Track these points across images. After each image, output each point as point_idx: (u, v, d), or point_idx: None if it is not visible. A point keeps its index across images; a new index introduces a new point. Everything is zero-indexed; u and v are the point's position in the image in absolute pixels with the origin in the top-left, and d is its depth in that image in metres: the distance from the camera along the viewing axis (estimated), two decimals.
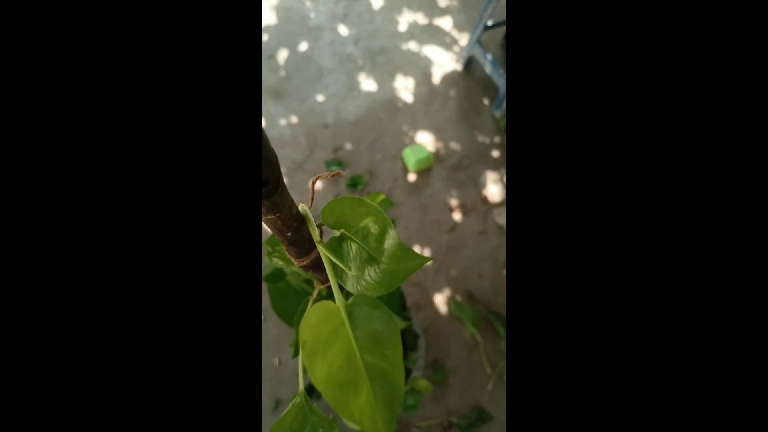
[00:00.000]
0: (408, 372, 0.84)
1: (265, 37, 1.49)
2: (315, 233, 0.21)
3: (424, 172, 1.35)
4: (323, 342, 0.16)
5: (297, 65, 1.44)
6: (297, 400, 0.31)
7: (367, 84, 1.42)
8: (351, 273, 0.19)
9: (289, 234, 0.24)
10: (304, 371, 0.44)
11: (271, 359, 1.10)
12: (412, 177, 1.33)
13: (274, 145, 1.32)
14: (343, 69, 1.44)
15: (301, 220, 0.24)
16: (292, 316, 0.47)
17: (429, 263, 1.26)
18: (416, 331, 0.92)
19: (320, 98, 1.39)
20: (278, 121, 1.35)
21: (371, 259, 0.20)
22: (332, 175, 0.27)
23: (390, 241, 0.19)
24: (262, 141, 0.16)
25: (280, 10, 1.54)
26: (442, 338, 1.18)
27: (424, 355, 0.98)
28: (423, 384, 0.73)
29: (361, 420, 0.14)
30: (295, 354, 0.35)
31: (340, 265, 0.19)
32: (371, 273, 0.20)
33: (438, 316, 1.21)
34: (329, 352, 0.15)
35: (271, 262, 0.32)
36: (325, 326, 0.16)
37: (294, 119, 1.36)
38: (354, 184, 1.32)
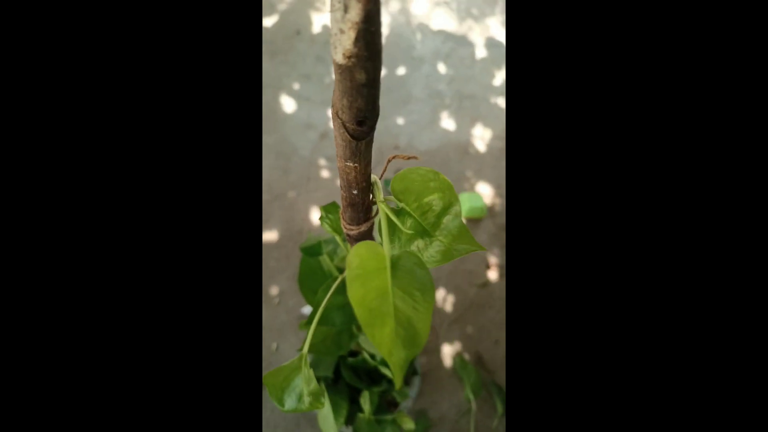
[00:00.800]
0: (395, 404, 0.81)
1: None
2: (379, 193, 0.22)
3: (473, 221, 1.34)
4: (366, 272, 0.16)
5: (390, 86, 1.52)
6: (296, 361, 0.32)
7: (447, 122, 1.46)
8: (406, 231, 0.20)
9: (355, 192, 0.25)
10: (312, 336, 0.44)
11: (269, 343, 1.10)
12: None
13: None
14: (430, 102, 1.50)
15: (370, 183, 0.25)
16: (312, 294, 0.48)
17: (449, 311, 1.23)
18: (416, 368, 0.89)
19: (400, 121, 1.45)
20: None
21: (425, 233, 0.20)
22: (408, 157, 0.28)
23: (451, 217, 0.20)
24: (372, 92, 0.17)
25: (391, 35, 1.64)
26: (437, 391, 1.13)
27: (415, 396, 0.94)
28: (408, 422, 0.70)
29: (381, 345, 0.14)
30: (305, 325, 0.36)
31: (397, 222, 0.20)
32: (420, 245, 0.20)
33: (440, 367, 1.16)
34: (369, 283, 0.16)
35: (322, 226, 0.33)
36: (371, 262, 0.17)
37: None
38: None
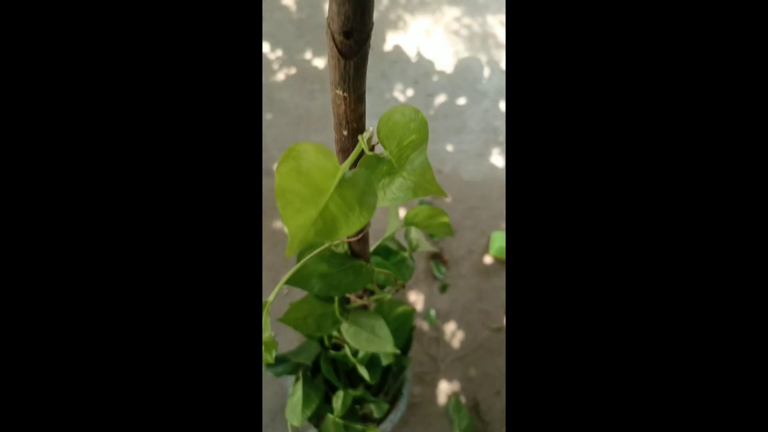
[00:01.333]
0: (372, 420, 0.77)
1: (434, 78, 1.62)
2: (367, 134, 0.22)
3: (501, 262, 1.29)
4: (310, 168, 0.15)
5: (447, 112, 1.53)
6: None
7: (497, 159, 1.44)
8: (367, 152, 0.19)
9: (345, 133, 0.24)
10: (296, 311, 0.43)
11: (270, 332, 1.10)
12: (488, 259, 1.28)
13: None
14: (483, 136, 1.49)
15: (361, 126, 0.24)
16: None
17: (455, 347, 1.17)
18: (403, 391, 0.84)
19: (449, 148, 1.44)
20: None
21: (392, 172, 0.19)
22: None
23: (418, 153, 0.19)
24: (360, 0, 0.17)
25: (460, 65, 1.67)
26: (422, 425, 1.07)
27: (397, 422, 0.89)
28: None
29: (289, 222, 0.13)
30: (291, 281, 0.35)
31: (365, 148, 0.19)
32: (385, 182, 0.19)
33: (432, 403, 1.10)
34: (306, 174, 0.15)
35: None
36: (322, 165, 0.16)
37: None
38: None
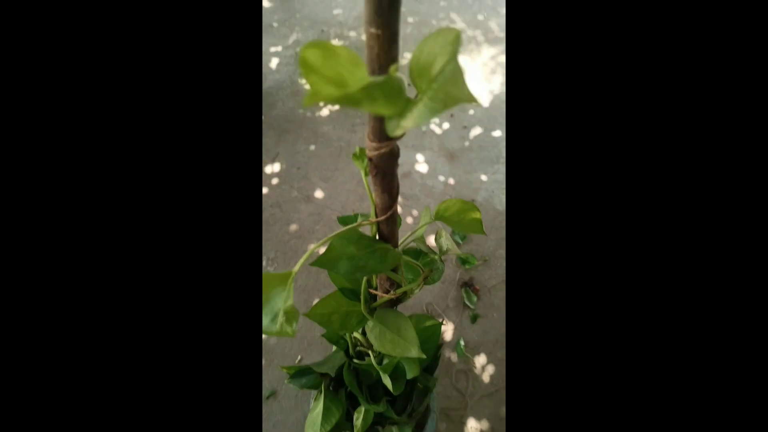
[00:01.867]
0: None
1: (470, 111, 1.64)
2: (398, 62, 0.22)
3: None
4: (334, 62, 0.15)
5: (482, 144, 1.54)
6: (285, 274, 0.30)
7: None
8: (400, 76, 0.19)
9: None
10: (321, 307, 0.42)
11: (296, 354, 1.09)
12: None
13: (424, 192, 1.39)
14: None
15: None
16: None
17: (485, 381, 1.10)
18: (428, 420, 0.79)
19: (484, 177, 1.44)
20: (438, 176, 1.44)
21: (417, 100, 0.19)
22: None
23: (452, 63, 0.18)
24: None
25: (495, 100, 1.70)
26: None
27: None
28: None
29: (311, 84, 0.13)
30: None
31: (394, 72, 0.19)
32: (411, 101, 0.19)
33: None
34: (332, 64, 0.15)
35: (354, 161, 0.33)
36: (349, 65, 0.16)
37: (451, 181, 1.42)
38: (464, 261, 1.28)
